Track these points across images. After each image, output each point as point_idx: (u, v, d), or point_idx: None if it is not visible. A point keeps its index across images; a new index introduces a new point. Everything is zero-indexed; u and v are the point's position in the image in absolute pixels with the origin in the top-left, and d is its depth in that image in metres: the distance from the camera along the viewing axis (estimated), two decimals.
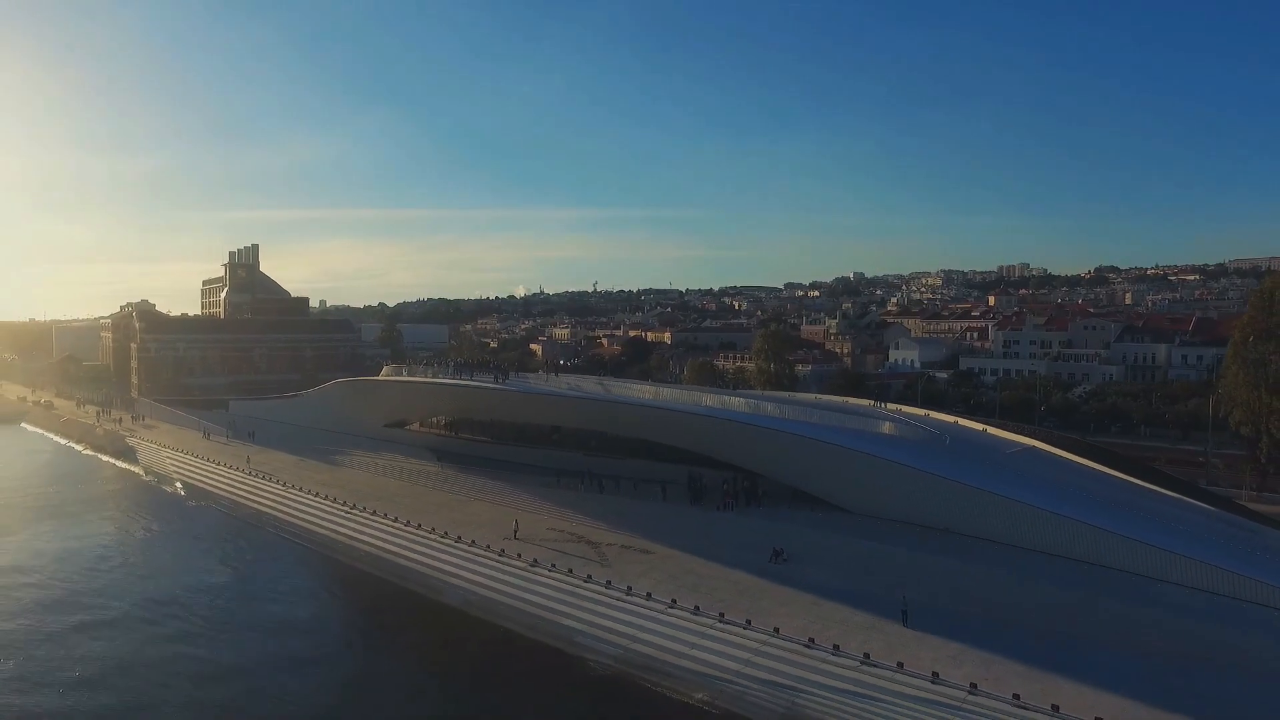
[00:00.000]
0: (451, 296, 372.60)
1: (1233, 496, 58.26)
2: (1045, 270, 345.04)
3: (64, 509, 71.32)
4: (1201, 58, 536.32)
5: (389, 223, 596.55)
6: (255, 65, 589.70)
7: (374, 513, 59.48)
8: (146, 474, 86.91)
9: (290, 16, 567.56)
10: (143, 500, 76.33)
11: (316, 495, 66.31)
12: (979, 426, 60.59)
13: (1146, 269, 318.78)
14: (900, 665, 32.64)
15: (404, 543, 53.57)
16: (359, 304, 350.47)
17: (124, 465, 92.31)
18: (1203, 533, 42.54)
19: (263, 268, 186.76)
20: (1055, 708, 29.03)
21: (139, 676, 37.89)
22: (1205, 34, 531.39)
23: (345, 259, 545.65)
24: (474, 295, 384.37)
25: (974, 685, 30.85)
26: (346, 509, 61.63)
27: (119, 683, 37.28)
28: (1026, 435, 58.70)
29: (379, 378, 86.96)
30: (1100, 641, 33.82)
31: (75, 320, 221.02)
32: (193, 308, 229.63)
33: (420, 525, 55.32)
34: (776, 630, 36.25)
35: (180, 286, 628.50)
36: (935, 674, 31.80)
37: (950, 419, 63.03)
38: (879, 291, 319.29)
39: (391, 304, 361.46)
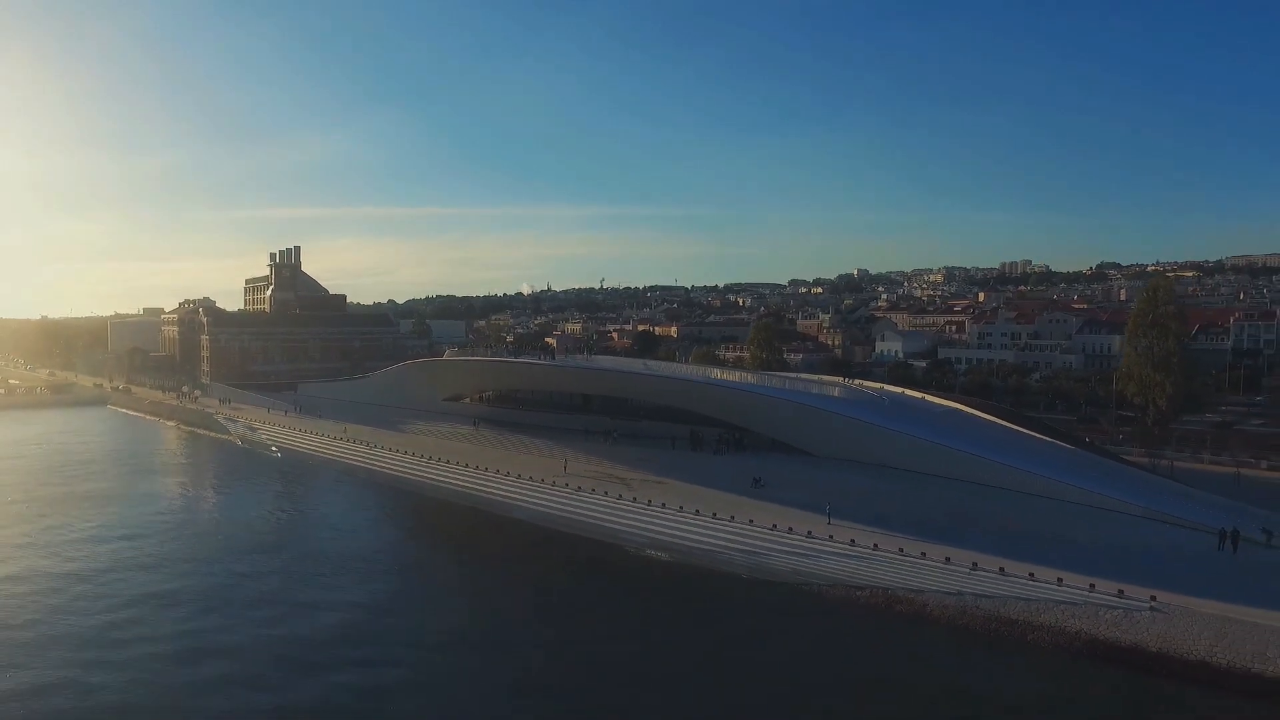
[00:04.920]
0: (459, 294, 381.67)
1: (1120, 453, 73.80)
2: (1047, 267, 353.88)
3: (213, 470, 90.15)
4: (1202, 54, 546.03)
5: (397, 221, 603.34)
6: (264, 64, 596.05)
7: (448, 461, 76.65)
8: (243, 443, 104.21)
9: (299, 15, 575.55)
10: (254, 463, 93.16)
11: (398, 452, 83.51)
12: (918, 394, 77.11)
13: (1147, 266, 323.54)
14: (831, 537, 49.73)
15: (478, 481, 70.68)
16: (368, 300, 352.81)
17: (220, 437, 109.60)
18: (1064, 463, 58.88)
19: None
20: (923, 554, 45.99)
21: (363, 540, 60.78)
22: (1206, 30, 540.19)
23: (354, 256, 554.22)
24: (481, 292, 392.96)
25: (876, 545, 47.93)
26: (425, 460, 78.78)
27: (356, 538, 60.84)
28: (954, 401, 75.07)
29: (447, 358, 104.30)
30: (968, 527, 50.53)
31: (132, 315, 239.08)
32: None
33: (487, 469, 72.40)
34: (751, 522, 53.27)
35: (198, 284, 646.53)
36: (852, 540, 48.89)
37: (898, 390, 79.47)
38: (880, 288, 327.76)
39: (401, 301, 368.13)
